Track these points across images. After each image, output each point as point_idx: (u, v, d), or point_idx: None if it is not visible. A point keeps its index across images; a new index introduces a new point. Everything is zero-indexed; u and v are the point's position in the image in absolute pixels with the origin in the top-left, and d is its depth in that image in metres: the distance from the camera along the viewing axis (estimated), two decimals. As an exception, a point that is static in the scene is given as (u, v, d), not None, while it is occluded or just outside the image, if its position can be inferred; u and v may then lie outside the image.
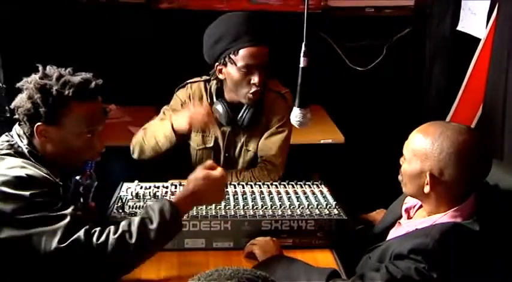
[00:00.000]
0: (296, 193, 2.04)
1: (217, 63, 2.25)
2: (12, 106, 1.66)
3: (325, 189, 2.09)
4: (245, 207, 1.90)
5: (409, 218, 1.77)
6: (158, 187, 2.05)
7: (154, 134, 2.28)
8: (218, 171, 1.68)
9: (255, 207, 1.91)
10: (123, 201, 1.92)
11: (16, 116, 1.66)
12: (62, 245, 1.46)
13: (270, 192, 2.04)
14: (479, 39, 2.81)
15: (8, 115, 2.53)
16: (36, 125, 1.62)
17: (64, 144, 1.66)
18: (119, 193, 2.01)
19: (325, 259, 1.80)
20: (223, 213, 1.86)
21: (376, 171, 3.02)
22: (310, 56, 1.80)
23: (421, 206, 1.75)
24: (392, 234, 1.77)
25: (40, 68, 1.66)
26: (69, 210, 1.53)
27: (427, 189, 1.58)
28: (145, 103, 3.32)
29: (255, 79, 2.19)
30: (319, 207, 1.93)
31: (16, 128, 1.69)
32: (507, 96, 2.46)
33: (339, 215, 1.88)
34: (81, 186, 1.78)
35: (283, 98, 2.33)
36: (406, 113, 3.22)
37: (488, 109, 2.66)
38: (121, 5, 3.29)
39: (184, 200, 1.63)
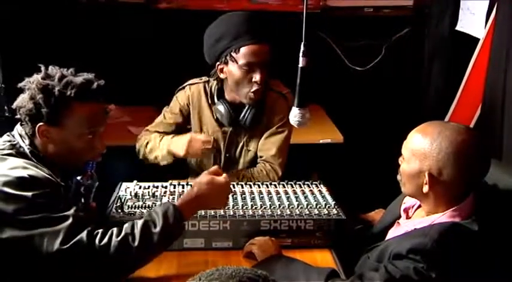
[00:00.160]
0: (295, 193, 2.05)
1: (218, 62, 2.25)
2: (14, 106, 1.66)
3: (324, 189, 2.09)
4: (244, 207, 1.90)
5: (407, 217, 1.78)
6: (157, 187, 2.06)
7: (153, 149, 2.37)
8: (223, 177, 1.71)
9: (254, 207, 1.91)
10: (122, 201, 1.92)
11: (17, 116, 1.66)
12: (64, 247, 1.47)
13: (269, 192, 2.04)
14: (478, 39, 2.81)
15: (7, 115, 2.54)
16: (38, 125, 1.62)
17: (65, 145, 1.66)
18: (117, 193, 2.02)
19: (324, 259, 1.80)
20: (222, 213, 1.86)
21: (375, 171, 3.03)
22: (309, 55, 1.80)
23: (419, 206, 1.75)
24: (391, 234, 1.77)
25: (42, 68, 1.66)
26: (71, 211, 1.53)
27: (425, 189, 1.59)
28: (145, 103, 3.33)
29: (256, 77, 2.19)
30: (318, 207, 1.93)
31: (18, 128, 1.69)
32: (506, 96, 2.46)
33: (338, 214, 1.89)
34: (82, 186, 1.78)
35: (284, 98, 2.33)
36: (405, 113, 3.22)
37: (487, 109, 2.66)
38: (120, 4, 3.29)
39: (188, 204, 1.64)
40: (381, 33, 3.50)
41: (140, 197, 1.97)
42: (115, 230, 1.53)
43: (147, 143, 2.42)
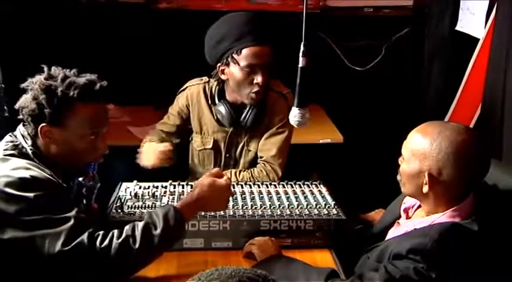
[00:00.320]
0: (295, 193, 2.05)
1: (219, 64, 2.25)
2: (16, 106, 1.66)
3: (323, 189, 2.09)
4: (244, 207, 1.90)
5: (407, 218, 1.78)
6: (157, 187, 2.06)
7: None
8: (224, 180, 1.71)
9: (253, 207, 1.91)
10: (122, 201, 1.92)
11: (20, 117, 1.66)
12: (66, 248, 1.47)
13: (268, 192, 2.04)
14: (478, 39, 2.81)
15: (7, 115, 2.53)
16: (40, 126, 1.62)
17: (68, 146, 1.66)
18: (117, 193, 2.02)
19: (324, 259, 1.80)
20: (222, 213, 1.85)
21: (375, 171, 3.03)
22: (309, 55, 1.80)
23: (419, 206, 1.75)
24: (391, 234, 1.77)
25: (45, 68, 1.66)
26: (73, 212, 1.53)
27: (425, 189, 1.58)
28: (145, 103, 3.34)
29: (258, 79, 2.19)
30: (318, 207, 1.93)
31: (20, 129, 1.69)
32: (506, 96, 2.46)
33: (338, 214, 1.89)
34: (84, 187, 1.79)
35: (285, 98, 2.33)
36: (405, 113, 3.22)
37: (487, 109, 2.66)
38: (120, 4, 3.29)
39: (188, 206, 1.64)
40: (381, 33, 3.50)
41: (140, 197, 1.97)
42: (116, 232, 1.53)
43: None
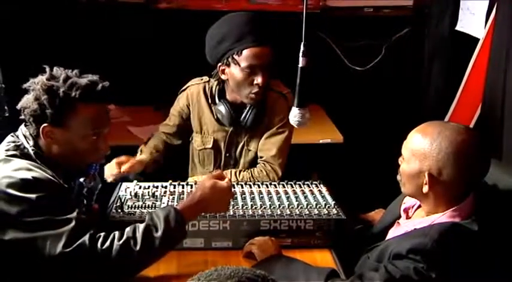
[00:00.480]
0: (295, 193, 2.05)
1: (220, 64, 2.25)
2: (18, 107, 1.66)
3: (324, 189, 2.09)
4: (244, 207, 1.90)
5: (407, 218, 1.78)
6: (157, 187, 2.06)
7: None
8: (225, 182, 1.72)
9: (253, 207, 1.91)
10: (122, 201, 1.92)
11: (22, 117, 1.66)
12: (67, 250, 1.47)
13: (268, 192, 2.04)
14: (478, 39, 2.81)
15: (7, 115, 2.54)
16: (42, 126, 1.62)
17: (69, 146, 1.66)
18: (117, 193, 2.02)
19: (324, 259, 1.80)
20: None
21: (375, 171, 3.03)
22: (309, 55, 1.79)
23: (419, 206, 1.75)
24: (391, 234, 1.77)
25: (47, 69, 1.66)
26: (74, 214, 1.53)
27: (425, 189, 1.59)
28: (145, 103, 3.34)
29: (258, 79, 2.19)
30: (318, 207, 1.93)
31: (22, 129, 1.69)
32: (506, 96, 2.46)
33: (338, 214, 1.89)
34: (85, 188, 1.79)
35: (285, 98, 2.33)
36: (405, 113, 3.22)
37: (487, 109, 2.66)
38: (120, 4, 3.29)
39: (189, 207, 1.65)
40: (381, 33, 3.50)
41: (140, 197, 1.97)
42: (117, 233, 1.54)
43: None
